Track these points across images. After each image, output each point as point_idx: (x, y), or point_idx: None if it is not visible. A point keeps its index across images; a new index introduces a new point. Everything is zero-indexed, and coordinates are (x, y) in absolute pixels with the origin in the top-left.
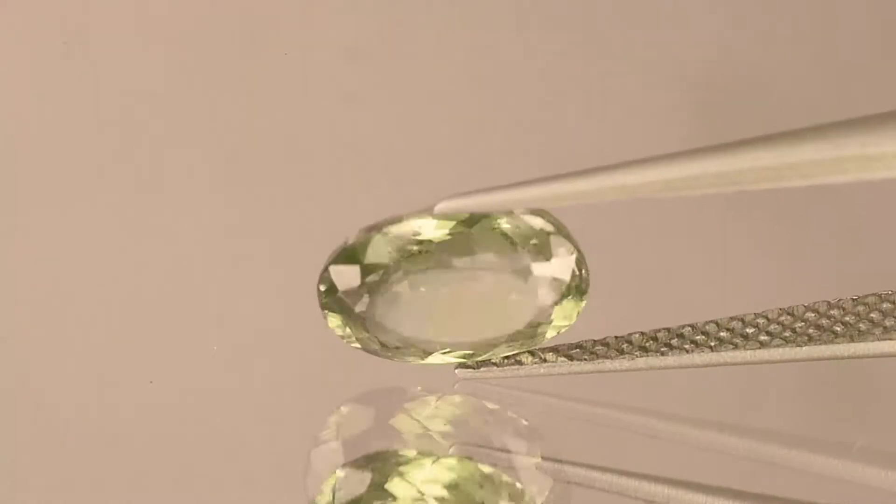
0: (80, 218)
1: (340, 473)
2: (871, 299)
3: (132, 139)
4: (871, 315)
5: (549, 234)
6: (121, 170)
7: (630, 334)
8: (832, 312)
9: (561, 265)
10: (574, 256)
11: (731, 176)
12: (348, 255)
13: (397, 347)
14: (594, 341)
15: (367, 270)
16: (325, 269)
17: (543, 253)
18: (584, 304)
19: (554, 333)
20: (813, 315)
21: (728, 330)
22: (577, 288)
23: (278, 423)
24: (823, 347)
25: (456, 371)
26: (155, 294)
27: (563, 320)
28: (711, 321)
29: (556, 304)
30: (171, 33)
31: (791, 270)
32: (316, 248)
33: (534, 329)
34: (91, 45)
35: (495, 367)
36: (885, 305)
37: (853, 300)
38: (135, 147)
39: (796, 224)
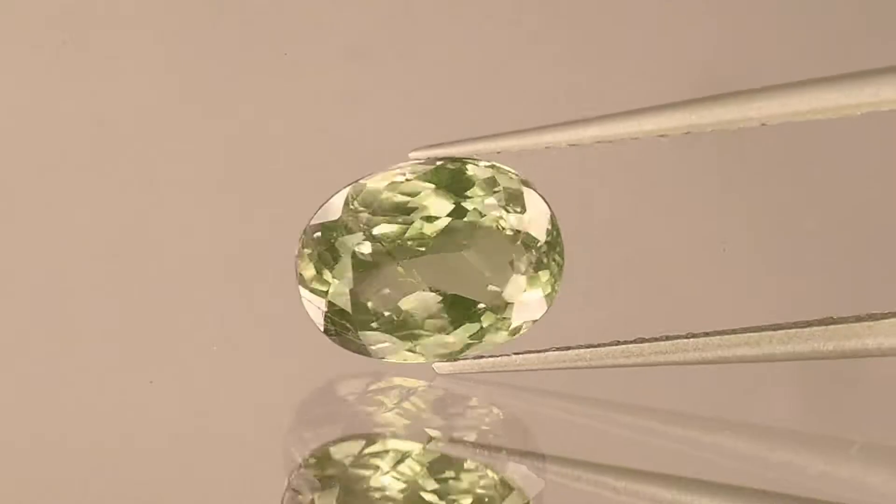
0: (79, 217)
1: (310, 462)
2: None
3: (132, 139)
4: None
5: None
6: (120, 169)
7: (622, 341)
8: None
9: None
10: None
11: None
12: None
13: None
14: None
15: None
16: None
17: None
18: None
19: (542, 293)
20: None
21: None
22: (556, 230)
23: (278, 423)
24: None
25: (434, 365)
26: (154, 293)
27: (550, 279)
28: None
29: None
30: (171, 33)
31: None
32: None
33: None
34: (91, 43)
35: (474, 362)
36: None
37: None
38: (134, 146)
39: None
